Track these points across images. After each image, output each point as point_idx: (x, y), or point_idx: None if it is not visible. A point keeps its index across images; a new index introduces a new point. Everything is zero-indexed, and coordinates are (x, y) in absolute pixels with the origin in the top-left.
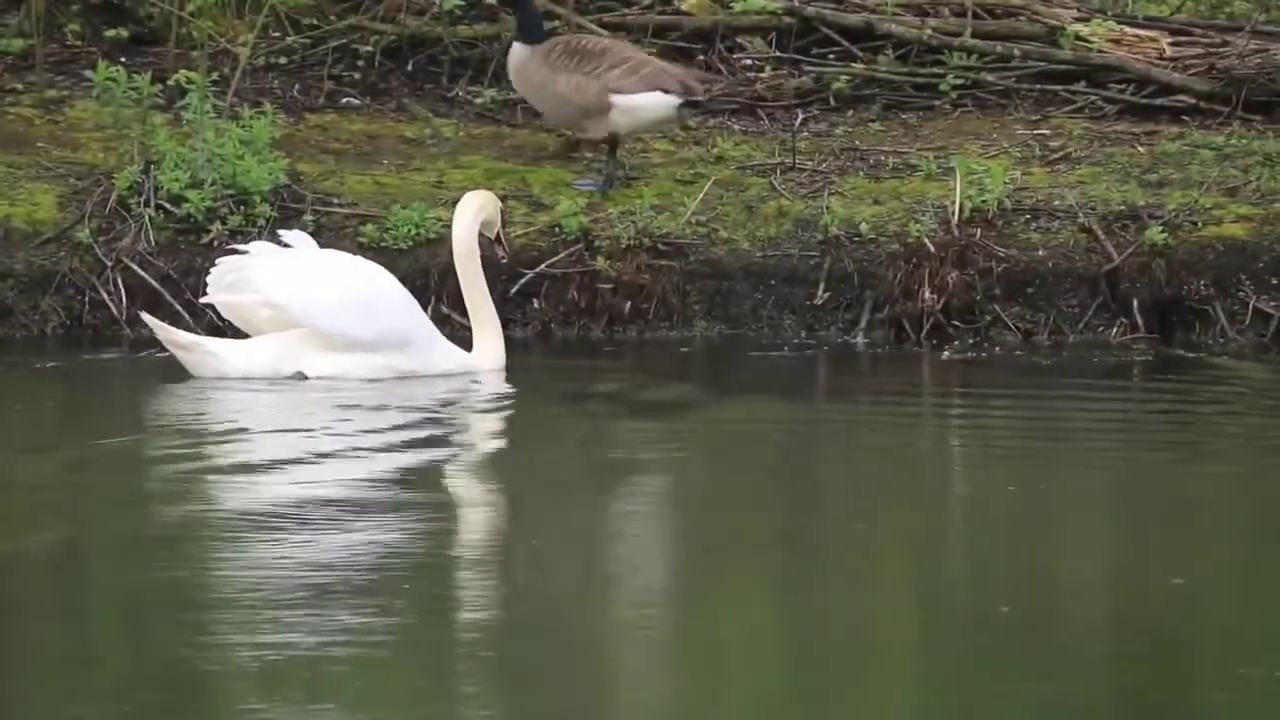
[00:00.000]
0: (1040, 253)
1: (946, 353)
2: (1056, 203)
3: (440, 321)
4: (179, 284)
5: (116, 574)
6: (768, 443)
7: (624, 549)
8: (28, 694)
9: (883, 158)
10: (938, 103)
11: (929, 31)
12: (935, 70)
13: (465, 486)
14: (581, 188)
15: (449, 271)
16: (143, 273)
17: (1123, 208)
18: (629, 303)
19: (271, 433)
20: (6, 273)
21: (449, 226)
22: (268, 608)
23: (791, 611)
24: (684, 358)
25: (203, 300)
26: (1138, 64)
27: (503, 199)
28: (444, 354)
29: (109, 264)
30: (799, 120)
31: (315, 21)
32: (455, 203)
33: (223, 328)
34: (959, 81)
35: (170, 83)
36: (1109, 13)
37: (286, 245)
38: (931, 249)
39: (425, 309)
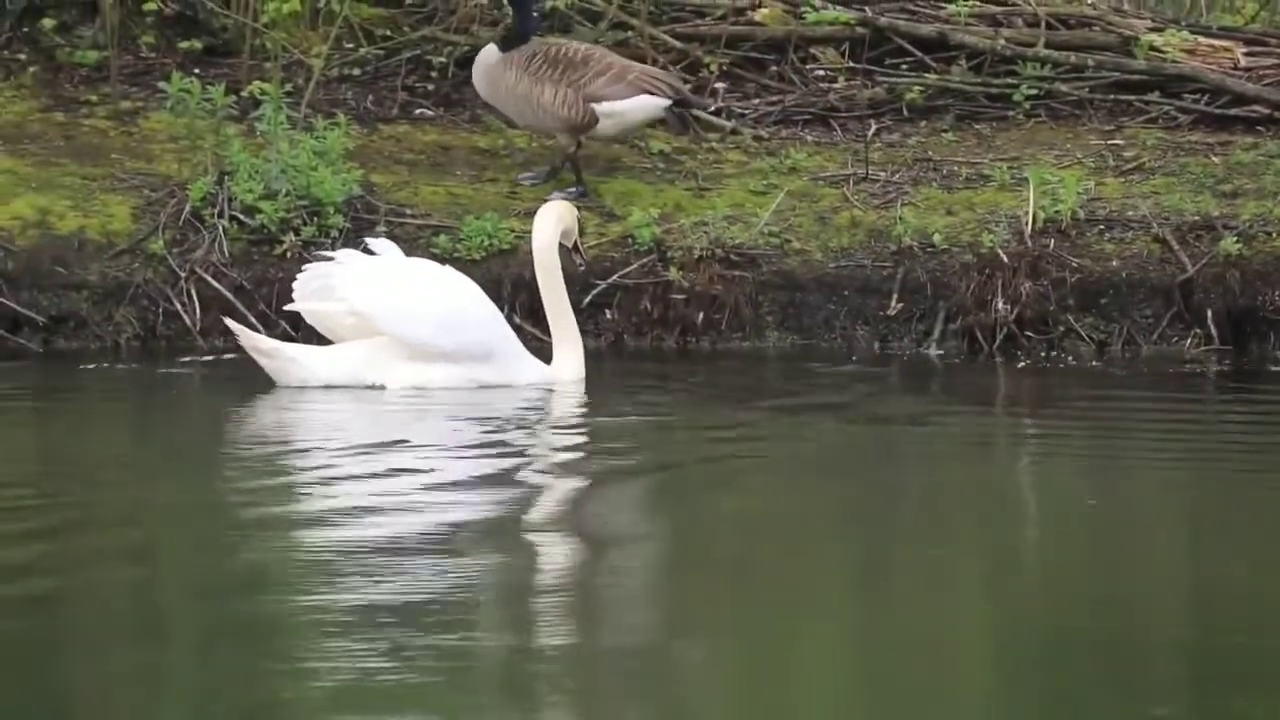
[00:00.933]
0: (1114, 263)
1: (1024, 363)
2: (1130, 213)
3: None
4: (252, 295)
5: (192, 591)
6: (847, 453)
7: (706, 570)
8: (98, 712)
9: (956, 168)
10: (1011, 113)
11: (1002, 42)
12: (1009, 80)
13: (548, 508)
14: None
15: (521, 282)
16: (216, 284)
17: (1197, 218)
18: (702, 313)
19: (352, 444)
20: (81, 284)
21: (521, 237)
22: (348, 625)
23: (872, 629)
24: (758, 369)
25: (288, 306)
26: (1212, 74)
27: (576, 209)
28: (525, 366)
29: (183, 275)
30: (872, 131)
31: (388, 33)
32: (528, 213)
33: (295, 337)
34: (1032, 91)
35: (244, 94)
36: (1183, 23)
37: (373, 253)
38: (1005, 259)
39: None
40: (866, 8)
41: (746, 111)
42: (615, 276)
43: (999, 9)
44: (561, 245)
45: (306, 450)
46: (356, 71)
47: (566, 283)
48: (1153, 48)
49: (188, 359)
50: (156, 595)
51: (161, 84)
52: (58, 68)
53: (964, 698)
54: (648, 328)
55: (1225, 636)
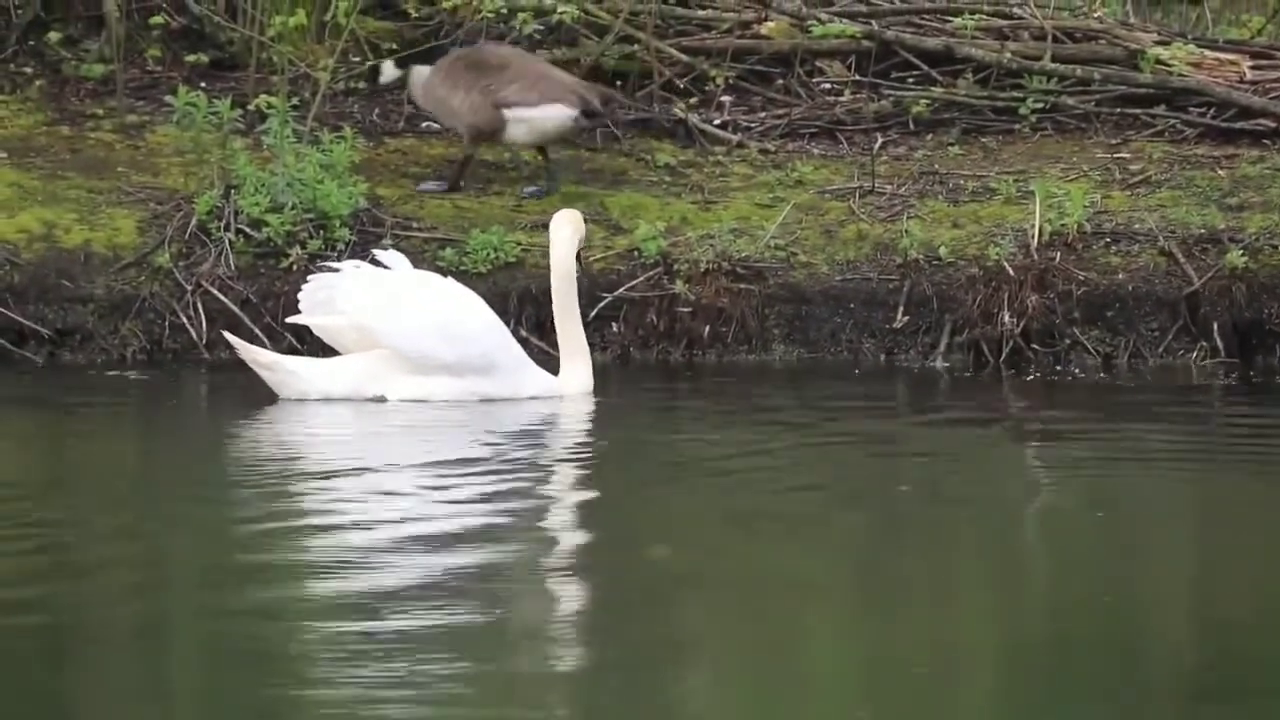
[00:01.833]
0: (1120, 276)
1: (1030, 376)
2: (1136, 226)
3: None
4: (259, 308)
5: (196, 607)
6: (855, 466)
7: (715, 583)
8: None
9: (962, 181)
10: (1017, 126)
11: (1008, 55)
12: (1015, 94)
13: (555, 519)
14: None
15: (527, 295)
16: (223, 297)
17: (1203, 231)
18: (708, 326)
19: (353, 458)
20: (87, 297)
21: (528, 250)
22: (354, 640)
23: (879, 639)
24: (764, 382)
25: (291, 319)
26: (1218, 87)
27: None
28: (530, 378)
29: (189, 288)
30: (878, 144)
31: (394, 46)
32: (534, 227)
33: (301, 350)
34: (1039, 105)
35: (250, 107)
36: (1190, 36)
37: (381, 265)
38: (1011, 272)
39: None
40: (873, 21)
41: (753, 125)
42: (621, 289)
43: (1005, 23)
44: None
45: (304, 463)
46: (362, 85)
47: None
48: (1159, 61)
49: (192, 375)
50: (157, 607)
51: (168, 97)
52: (64, 81)
53: (970, 708)
54: (654, 341)
55: (1232, 646)
